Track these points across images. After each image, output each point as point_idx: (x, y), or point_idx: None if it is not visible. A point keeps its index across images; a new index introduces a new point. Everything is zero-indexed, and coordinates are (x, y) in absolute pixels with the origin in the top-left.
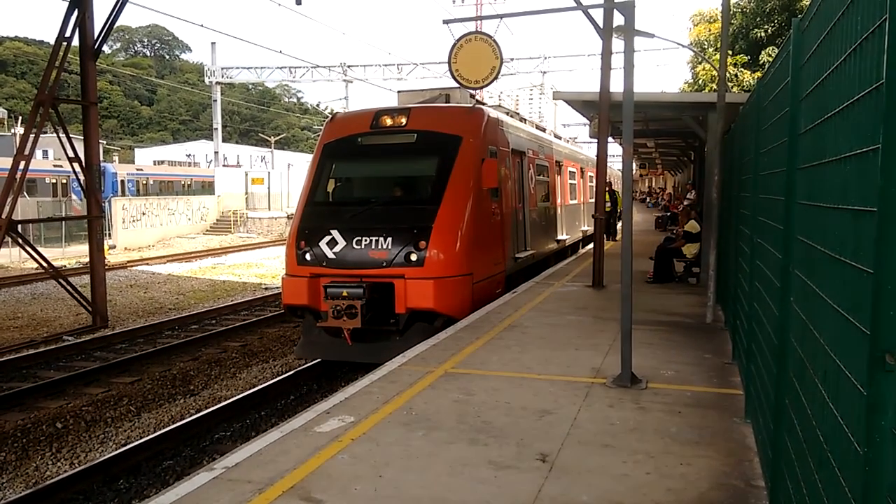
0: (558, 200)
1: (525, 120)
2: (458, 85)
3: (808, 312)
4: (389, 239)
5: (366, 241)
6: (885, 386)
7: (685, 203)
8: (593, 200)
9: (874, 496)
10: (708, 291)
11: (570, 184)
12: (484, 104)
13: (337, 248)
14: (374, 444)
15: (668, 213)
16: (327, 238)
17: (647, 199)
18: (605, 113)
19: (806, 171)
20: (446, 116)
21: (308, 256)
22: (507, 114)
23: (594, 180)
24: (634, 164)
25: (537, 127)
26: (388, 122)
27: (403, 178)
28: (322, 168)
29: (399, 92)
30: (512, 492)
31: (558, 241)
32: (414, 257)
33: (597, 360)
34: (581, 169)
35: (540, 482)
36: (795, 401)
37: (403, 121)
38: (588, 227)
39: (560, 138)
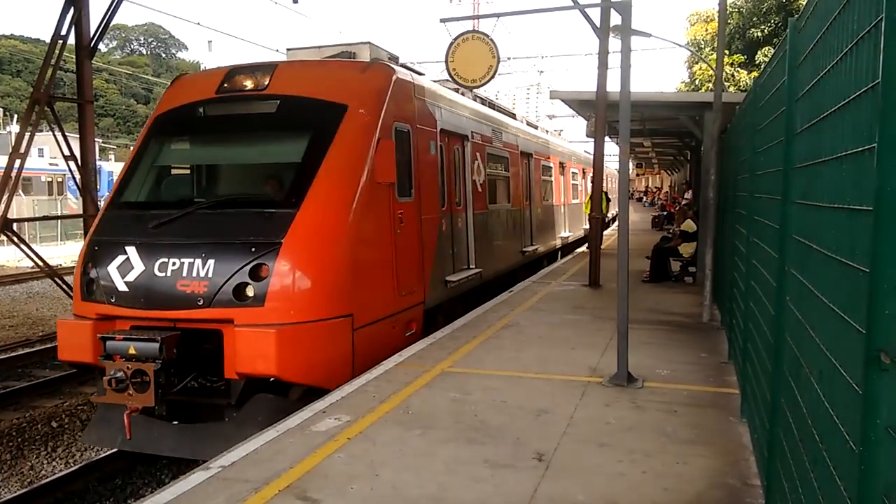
0: (526, 201)
1: (482, 99)
2: (379, 53)
3: (803, 311)
4: (211, 261)
5: (174, 264)
6: (880, 385)
7: (682, 202)
8: (577, 201)
9: (869, 495)
10: (704, 291)
11: (545, 181)
12: (407, 67)
13: (132, 276)
14: (371, 443)
15: (665, 213)
16: (120, 259)
17: (644, 199)
18: (601, 112)
19: (802, 170)
20: (328, 76)
21: (95, 287)
22: (462, 93)
23: (578, 178)
24: (631, 164)
25: (498, 109)
26: (246, 83)
27: (251, 166)
28: (143, 152)
29: (289, 49)
30: (508, 491)
31: (524, 253)
32: (250, 292)
33: (593, 360)
34: (561, 164)
35: (536, 481)
36: (791, 400)
37: (266, 82)
38: (569, 233)
39: (536, 127)
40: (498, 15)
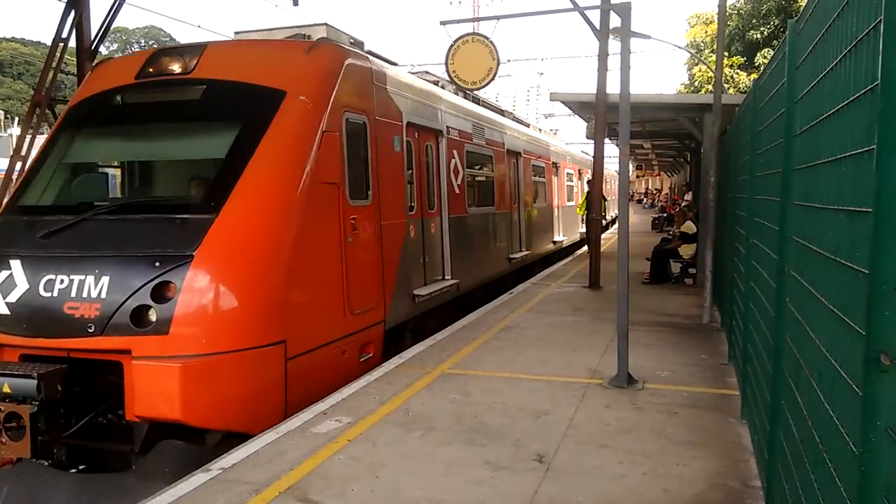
0: (514, 204)
1: (464, 93)
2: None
3: (803, 313)
4: (105, 279)
5: (62, 281)
6: (879, 386)
7: (682, 204)
8: (573, 203)
9: (869, 496)
10: (704, 292)
11: (536, 182)
12: (374, 54)
13: (14, 296)
14: (371, 444)
15: (665, 214)
16: (3, 275)
17: (644, 200)
18: (601, 114)
19: (801, 171)
20: (265, 58)
21: None
22: (443, 86)
23: (573, 179)
24: (631, 165)
25: (483, 104)
26: (170, 66)
27: (169, 164)
28: (50, 148)
29: (236, 33)
30: (508, 492)
31: (512, 260)
32: (152, 316)
33: (593, 361)
34: (554, 164)
35: (536, 483)
36: (791, 401)
37: (192, 64)
38: (564, 237)
39: (528, 125)
40: (498, 17)
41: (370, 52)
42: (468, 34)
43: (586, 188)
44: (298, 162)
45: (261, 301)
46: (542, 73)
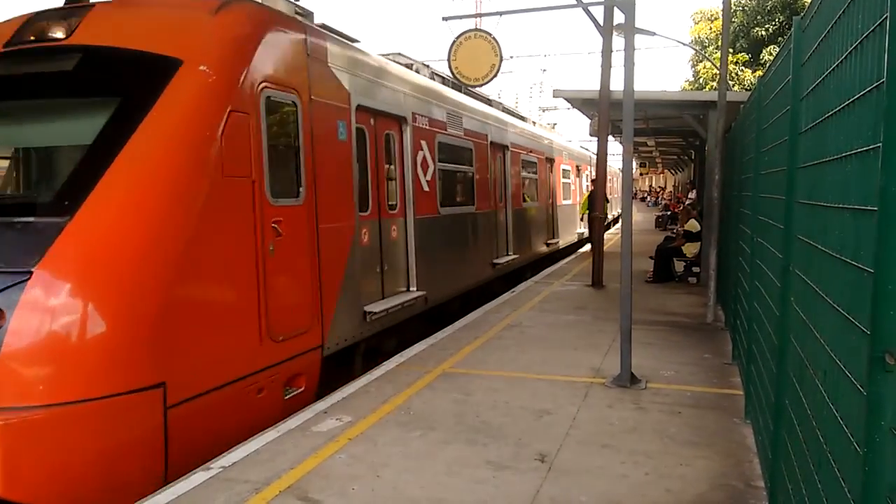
0: (500, 203)
1: (442, 78)
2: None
3: (808, 312)
4: None
5: None
6: (884, 385)
7: (686, 202)
8: (570, 202)
9: (873, 496)
10: (708, 291)
11: (527, 178)
12: (331, 29)
13: None
14: (372, 443)
15: (669, 213)
16: None
17: (648, 198)
18: (605, 111)
19: (806, 170)
20: (159, 21)
21: None
22: (413, 65)
23: (570, 175)
24: (634, 163)
25: (466, 92)
26: (49, 32)
27: (29, 151)
28: None
29: None
30: (510, 492)
31: (496, 265)
32: None
33: (596, 360)
34: (549, 159)
35: (538, 482)
36: (795, 401)
37: (73, 28)
38: (559, 239)
39: (522, 118)
40: (501, 13)
41: (324, 26)
42: (470, 30)
43: (586, 185)
44: (192, 148)
45: (126, 332)
46: (545, 70)
